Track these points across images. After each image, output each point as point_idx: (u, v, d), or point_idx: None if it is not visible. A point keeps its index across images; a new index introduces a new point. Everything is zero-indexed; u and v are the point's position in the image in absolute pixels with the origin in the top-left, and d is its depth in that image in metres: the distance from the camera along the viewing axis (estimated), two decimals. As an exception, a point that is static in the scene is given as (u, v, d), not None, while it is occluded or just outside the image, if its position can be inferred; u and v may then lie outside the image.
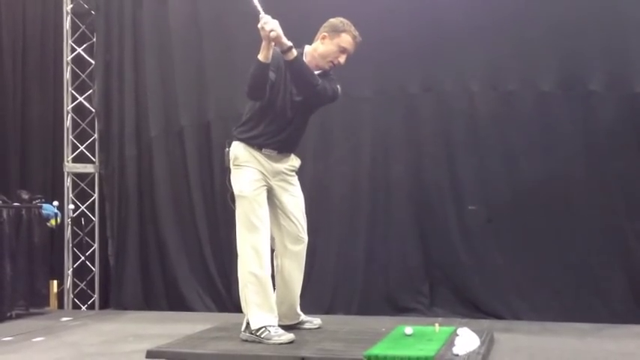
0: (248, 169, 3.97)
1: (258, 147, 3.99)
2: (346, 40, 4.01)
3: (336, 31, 4.01)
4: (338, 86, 4.08)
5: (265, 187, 4.01)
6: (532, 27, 5.36)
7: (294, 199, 4.11)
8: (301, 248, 4.12)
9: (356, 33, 4.05)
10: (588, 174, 5.28)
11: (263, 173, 3.99)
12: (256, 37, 3.75)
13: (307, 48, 4.06)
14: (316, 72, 3.99)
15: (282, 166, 4.07)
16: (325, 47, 4.01)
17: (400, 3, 5.59)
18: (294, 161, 4.16)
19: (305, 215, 4.15)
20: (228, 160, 4.04)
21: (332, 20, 4.07)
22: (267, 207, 3.99)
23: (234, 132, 4.06)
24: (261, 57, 3.75)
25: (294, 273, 4.12)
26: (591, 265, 5.26)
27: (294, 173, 4.17)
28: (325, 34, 4.03)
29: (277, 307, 3.98)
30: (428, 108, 5.63)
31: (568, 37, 5.30)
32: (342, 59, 4.03)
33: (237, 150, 4.01)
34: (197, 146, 6.01)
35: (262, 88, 3.85)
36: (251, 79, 3.83)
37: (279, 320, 3.99)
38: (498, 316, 5.35)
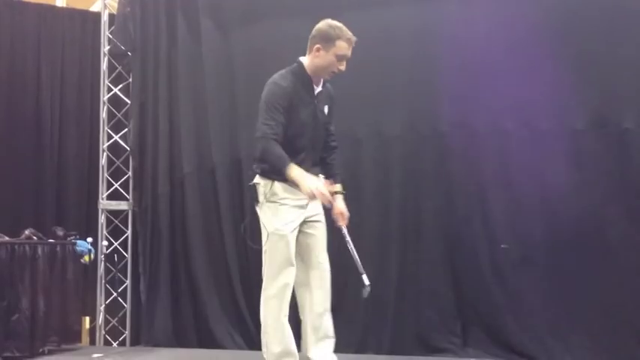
0: (285, 206, 3.79)
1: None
2: (342, 47, 3.70)
3: (329, 41, 3.70)
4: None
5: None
6: (565, 64, 5.33)
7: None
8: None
9: (349, 34, 3.73)
10: (623, 212, 5.19)
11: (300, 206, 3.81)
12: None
13: (303, 60, 3.82)
14: (318, 88, 3.84)
15: None
16: (322, 60, 3.73)
17: (431, 43, 5.61)
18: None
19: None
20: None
21: (321, 27, 3.75)
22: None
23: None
24: (289, 175, 3.63)
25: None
26: (628, 306, 5.12)
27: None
28: (318, 45, 3.72)
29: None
30: (459, 146, 5.60)
31: (601, 74, 5.27)
32: (342, 67, 3.76)
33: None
34: (228, 183, 6.04)
35: None
36: (271, 164, 3.74)
37: None
38: (533, 358, 5.23)
